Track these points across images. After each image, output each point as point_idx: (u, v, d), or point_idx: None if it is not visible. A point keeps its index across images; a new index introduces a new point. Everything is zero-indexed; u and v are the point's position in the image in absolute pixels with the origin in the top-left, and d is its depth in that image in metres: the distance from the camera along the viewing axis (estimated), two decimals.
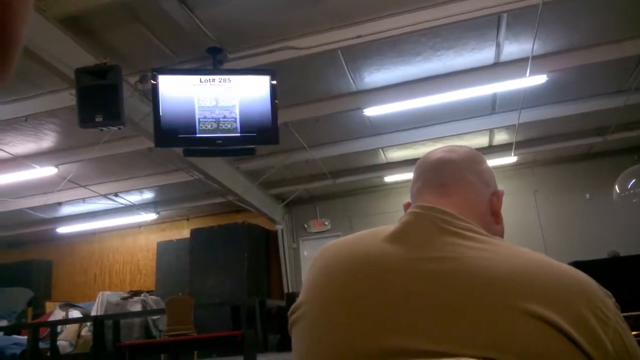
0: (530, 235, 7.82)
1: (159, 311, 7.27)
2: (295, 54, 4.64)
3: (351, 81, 5.54)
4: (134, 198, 8.68)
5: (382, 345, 0.74)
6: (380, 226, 0.89)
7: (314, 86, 5.58)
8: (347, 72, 5.33)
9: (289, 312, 0.90)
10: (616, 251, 7.08)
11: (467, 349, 0.69)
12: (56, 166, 6.70)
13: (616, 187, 7.04)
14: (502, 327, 0.70)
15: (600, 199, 7.79)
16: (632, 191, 6.88)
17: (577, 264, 4.80)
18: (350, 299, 0.80)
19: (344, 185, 8.74)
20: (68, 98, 4.72)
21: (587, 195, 8.08)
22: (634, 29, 4.92)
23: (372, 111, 6.02)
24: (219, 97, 4.57)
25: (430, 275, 0.77)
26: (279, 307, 8.03)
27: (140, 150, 6.43)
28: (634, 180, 6.77)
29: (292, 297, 6.57)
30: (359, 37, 4.46)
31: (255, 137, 4.70)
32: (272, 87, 4.64)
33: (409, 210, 0.89)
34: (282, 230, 9.23)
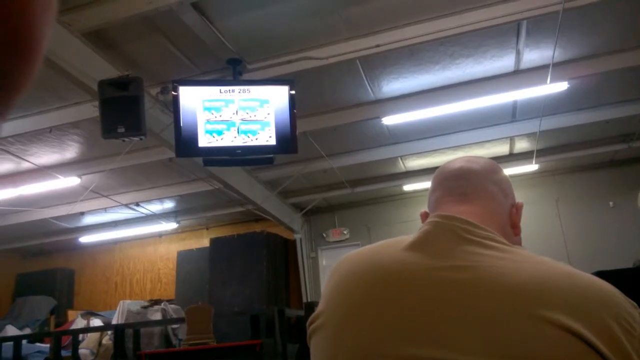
0: (553, 245, 7.69)
1: (179, 320, 7.31)
2: (313, 64, 4.66)
3: (369, 90, 5.54)
4: (155, 207, 8.77)
5: (401, 355, 0.74)
6: (399, 236, 0.89)
7: (332, 96, 5.60)
8: (366, 81, 5.33)
9: (307, 322, 0.90)
10: None
11: (487, 359, 0.69)
12: (79, 176, 6.81)
13: None
14: (523, 336, 0.69)
15: (625, 207, 7.65)
16: None
17: (601, 274, 4.71)
18: (370, 309, 0.80)
19: (363, 194, 8.72)
20: (91, 110, 4.81)
21: (611, 203, 7.93)
22: None
23: (390, 120, 6.01)
24: (240, 107, 4.61)
25: (451, 284, 0.77)
26: (297, 317, 8.01)
27: (161, 160, 6.51)
28: None
29: (310, 307, 6.56)
30: (377, 46, 4.47)
31: (274, 147, 4.72)
32: (291, 97, 4.66)
33: (429, 219, 0.89)
34: (300, 239, 9.22)
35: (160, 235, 10.24)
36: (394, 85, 5.49)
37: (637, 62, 5.11)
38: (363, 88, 5.48)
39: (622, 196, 7.72)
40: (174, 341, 7.54)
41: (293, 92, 4.66)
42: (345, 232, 9.28)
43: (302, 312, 7.95)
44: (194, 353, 5.51)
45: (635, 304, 0.75)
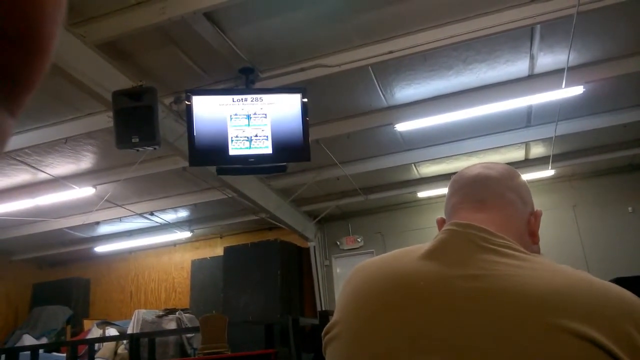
0: (571, 251, 7.57)
1: (194, 329, 7.31)
2: (326, 71, 4.66)
3: (382, 97, 5.52)
4: (169, 217, 8.81)
5: None
6: (414, 244, 0.88)
7: (345, 103, 5.59)
8: (378, 88, 5.32)
9: (323, 332, 0.89)
10: None
11: None
12: (94, 186, 6.87)
13: None
14: (542, 346, 0.68)
15: None
16: None
17: (621, 280, 4.62)
18: (386, 319, 0.79)
19: (376, 202, 8.68)
20: (105, 120, 4.85)
21: (630, 209, 7.79)
22: None
23: (403, 126, 5.98)
24: (251, 115, 4.62)
25: (468, 293, 0.75)
26: (312, 326, 7.97)
27: (175, 170, 6.53)
28: None
29: (325, 315, 6.52)
30: (390, 52, 4.46)
31: (286, 155, 4.72)
32: (303, 104, 4.66)
33: (445, 227, 0.88)
34: (314, 247, 9.20)
35: (174, 244, 10.28)
36: (407, 91, 5.46)
37: None
38: (376, 95, 5.46)
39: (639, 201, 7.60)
40: (189, 350, 7.54)
41: (305, 99, 4.66)
42: (359, 239, 9.24)
43: (316, 321, 7.92)
44: None
45: None
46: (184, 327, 7.75)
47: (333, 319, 0.89)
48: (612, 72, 5.15)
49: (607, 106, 6.08)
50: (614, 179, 8.04)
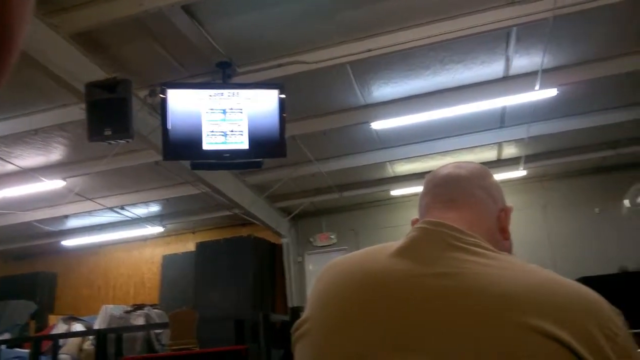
0: (540, 250, 7.73)
1: (162, 325, 7.21)
2: (304, 68, 4.64)
3: (359, 95, 5.53)
4: (140, 211, 8.67)
5: None
6: (387, 242, 0.89)
7: (322, 100, 5.58)
8: (356, 85, 5.32)
9: (292, 329, 0.90)
10: (626, 266, 7.02)
11: None
12: (64, 179, 6.70)
13: (626, 201, 6.99)
14: (509, 344, 0.70)
15: (610, 213, 7.72)
16: None
17: (586, 279, 4.75)
18: (357, 316, 0.80)
19: (351, 199, 8.71)
20: (78, 112, 4.72)
21: (597, 210, 8.00)
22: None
23: (380, 125, 6.01)
24: (228, 110, 4.57)
25: (437, 291, 0.76)
26: (282, 322, 7.96)
27: (147, 164, 6.43)
28: None
29: (296, 312, 6.51)
30: (369, 50, 4.47)
31: (262, 151, 4.68)
32: (281, 100, 4.63)
33: (417, 225, 0.89)
34: (287, 243, 9.18)
35: (145, 239, 10.12)
36: (384, 90, 5.49)
37: (624, 70, 5.17)
38: (353, 92, 5.47)
39: (608, 202, 7.79)
40: (157, 346, 7.43)
41: (283, 95, 4.63)
42: (332, 236, 9.26)
43: (287, 317, 7.90)
44: (177, 358, 5.42)
45: (618, 311, 0.76)
46: (152, 322, 7.64)
47: (303, 315, 0.89)
48: (585, 76, 5.26)
49: (579, 109, 6.22)
50: (583, 180, 8.25)
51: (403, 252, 0.84)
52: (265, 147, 4.67)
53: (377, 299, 0.80)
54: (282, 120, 4.65)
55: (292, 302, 8.93)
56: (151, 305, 8.19)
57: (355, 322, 0.79)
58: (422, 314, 0.75)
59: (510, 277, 0.77)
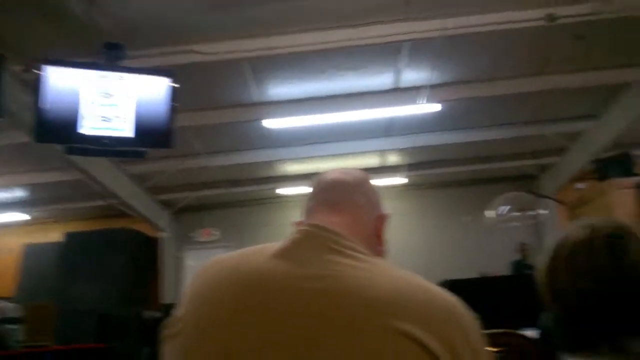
0: (415, 255, 8.15)
1: (16, 320, 6.58)
2: (199, 58, 4.48)
3: (254, 91, 5.47)
4: (3, 196, 7.86)
5: None
6: (268, 243, 0.89)
7: (216, 93, 5.44)
8: (251, 82, 5.25)
9: (163, 327, 0.87)
10: (485, 272, 7.65)
11: None
12: None
13: (490, 212, 7.62)
14: (375, 346, 0.72)
15: (477, 223, 8.36)
16: (503, 217, 7.48)
17: (452, 283, 5.12)
18: (231, 317, 0.79)
19: (237, 195, 8.61)
20: None
21: (466, 219, 8.66)
22: (522, 67, 5.37)
23: (271, 123, 5.99)
24: (112, 94, 4.27)
25: (311, 293, 0.78)
26: (155, 319, 7.63)
27: (14, 145, 5.82)
28: (507, 207, 7.37)
29: (168, 308, 6.27)
30: (268, 49, 4.42)
31: (147, 140, 4.43)
32: (172, 89, 4.42)
33: (300, 227, 0.90)
34: (166, 238, 8.85)
35: (6, 226, 9.18)
36: (279, 89, 5.48)
37: (501, 92, 5.64)
38: (247, 89, 5.39)
39: (477, 212, 8.43)
40: (11, 343, 6.78)
41: (175, 84, 4.42)
42: (215, 233, 9.07)
43: (160, 314, 7.58)
44: (31, 356, 4.97)
45: (474, 314, 0.82)
46: (6, 317, 6.95)
47: (176, 314, 0.86)
48: (467, 94, 5.68)
49: (459, 124, 6.68)
50: (458, 190, 8.92)
51: (283, 253, 0.84)
52: (151, 137, 4.42)
53: (253, 300, 0.79)
54: (172, 109, 4.44)
55: (168, 298, 8.60)
56: (5, 298, 7.45)
57: (232, 324, 0.78)
58: (297, 317, 0.76)
59: (380, 281, 0.79)
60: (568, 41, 4.76)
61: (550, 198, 7.12)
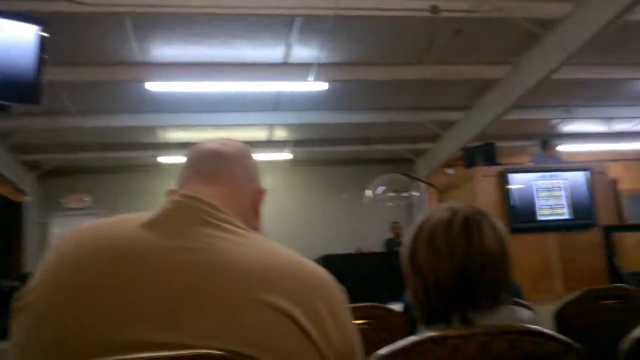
0: (298, 230, 8.29)
1: None
2: (76, 8, 4.10)
3: (136, 50, 5.15)
4: None
5: (133, 339, 0.71)
6: (138, 212, 0.86)
7: (94, 48, 5.05)
8: (133, 40, 4.93)
9: (15, 297, 0.81)
10: (360, 247, 8.01)
11: (210, 341, 0.71)
12: None
13: (369, 192, 7.96)
14: (245, 319, 0.73)
15: (356, 201, 8.68)
16: (380, 196, 7.85)
17: (328, 257, 5.29)
18: (96, 288, 0.75)
19: (113, 161, 8.14)
20: None
21: (346, 196, 8.96)
22: (405, 55, 5.59)
23: (154, 86, 5.69)
24: None
25: (183, 265, 0.76)
26: (12, 288, 7.04)
27: None
28: (382, 188, 7.74)
29: (26, 278, 5.79)
30: (153, 6, 4.16)
31: (11, 94, 4.00)
32: (41, 39, 4.01)
33: (172, 198, 0.87)
34: (30, 202, 8.15)
35: None
36: (164, 50, 5.23)
37: (385, 78, 5.85)
38: (129, 46, 5.06)
39: (355, 191, 8.76)
40: None
41: (45, 34, 4.02)
42: (86, 199, 8.50)
43: (17, 283, 7.01)
44: None
45: (342, 288, 0.86)
46: None
47: (31, 283, 0.80)
48: (353, 76, 5.81)
49: (345, 105, 6.84)
50: (340, 169, 9.20)
51: (153, 223, 0.81)
52: (16, 90, 3.99)
53: (120, 272, 0.76)
54: (41, 62, 4.04)
55: (29, 267, 7.96)
56: None
57: (95, 296, 0.74)
58: (168, 289, 0.74)
59: (252, 255, 0.80)
60: (448, 34, 5.05)
61: (422, 181, 7.59)
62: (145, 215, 0.83)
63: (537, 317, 1.13)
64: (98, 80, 5.51)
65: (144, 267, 0.76)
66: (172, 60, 5.41)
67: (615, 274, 4.48)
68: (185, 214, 0.83)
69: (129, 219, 0.84)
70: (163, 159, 8.17)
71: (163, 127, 7.23)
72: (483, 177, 4.89)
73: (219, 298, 0.74)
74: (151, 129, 7.27)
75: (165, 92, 5.87)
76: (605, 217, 4.90)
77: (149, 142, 7.82)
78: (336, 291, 0.84)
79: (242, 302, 0.74)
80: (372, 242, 8.08)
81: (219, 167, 0.97)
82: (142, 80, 5.56)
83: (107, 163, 8.20)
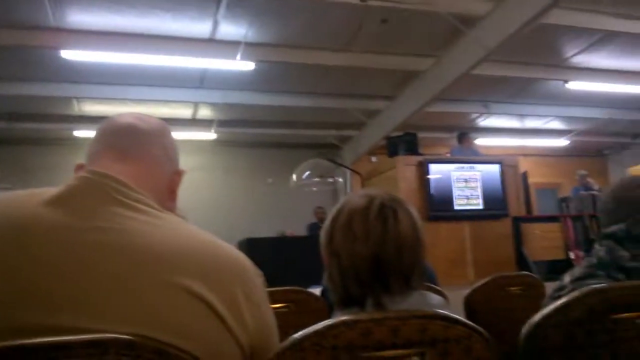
0: (217, 211, 8.19)
1: None
2: None
3: (50, 15, 4.81)
4: None
5: (38, 325, 0.67)
6: (42, 188, 0.80)
7: (4, 9, 4.66)
8: (47, 3, 4.60)
9: None
10: (283, 231, 8.04)
11: (121, 326, 0.68)
12: None
13: (293, 176, 7.99)
14: (157, 303, 0.71)
15: (280, 184, 8.67)
16: (305, 181, 7.90)
17: (250, 241, 5.25)
18: None
19: (23, 132, 7.62)
20: None
21: (270, 180, 8.93)
22: (332, 40, 5.58)
23: (71, 55, 5.34)
24: None
25: (92, 246, 0.73)
26: None
27: None
28: (308, 173, 7.79)
29: None
30: None
31: None
32: None
33: (80, 174, 0.82)
34: None
35: None
36: (82, 17, 4.92)
37: (312, 61, 5.83)
38: (44, 10, 4.71)
39: (280, 175, 8.73)
40: None
41: None
42: None
43: None
44: None
45: (259, 272, 0.86)
46: None
47: None
48: (280, 57, 5.74)
49: (271, 87, 6.77)
50: (265, 152, 9.12)
51: (57, 201, 0.76)
52: None
53: (16, 250, 0.71)
54: None
55: None
56: None
57: None
58: (75, 271, 0.70)
59: (168, 237, 0.77)
60: (374, 23, 5.11)
61: (347, 168, 7.71)
62: (48, 191, 0.78)
63: (446, 302, 1.17)
64: (8, 44, 5.11)
65: (47, 247, 0.72)
66: (91, 27, 5.10)
67: (523, 262, 4.79)
68: (94, 192, 0.79)
69: (30, 195, 0.78)
70: (80, 133, 7.75)
71: (80, 99, 6.84)
72: (405, 166, 5.03)
73: (131, 281, 0.71)
74: (67, 100, 6.86)
75: (83, 61, 5.52)
76: (516, 208, 5.20)
77: (64, 114, 7.38)
78: (253, 275, 0.83)
79: (155, 285, 0.72)
80: (296, 226, 8.11)
81: (134, 143, 0.91)
82: (58, 48, 5.20)
83: (16, 134, 7.66)
